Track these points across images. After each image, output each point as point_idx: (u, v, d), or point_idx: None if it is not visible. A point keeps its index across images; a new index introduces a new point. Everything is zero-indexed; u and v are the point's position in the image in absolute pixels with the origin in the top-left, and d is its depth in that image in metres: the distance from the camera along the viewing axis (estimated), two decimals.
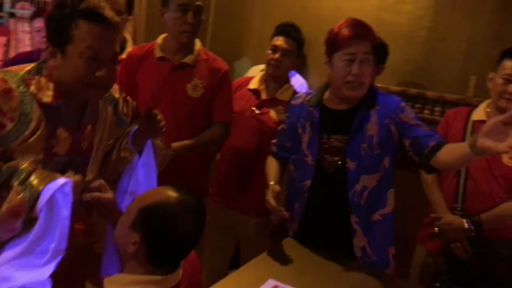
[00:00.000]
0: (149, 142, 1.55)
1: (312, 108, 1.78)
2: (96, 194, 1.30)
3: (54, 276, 1.17)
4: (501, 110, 1.94)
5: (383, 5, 2.81)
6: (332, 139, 1.73)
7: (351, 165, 1.69)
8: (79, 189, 1.25)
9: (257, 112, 2.33)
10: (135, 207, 1.18)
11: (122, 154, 1.52)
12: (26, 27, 3.66)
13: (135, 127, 1.54)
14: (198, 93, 2.07)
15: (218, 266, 2.43)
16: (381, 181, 1.71)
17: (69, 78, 1.27)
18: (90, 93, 1.32)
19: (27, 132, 1.22)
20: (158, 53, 2.07)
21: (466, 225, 1.93)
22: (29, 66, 1.31)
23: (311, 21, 2.92)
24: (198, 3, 2.00)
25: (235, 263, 2.59)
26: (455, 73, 2.64)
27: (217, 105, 2.13)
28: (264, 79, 2.40)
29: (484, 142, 1.25)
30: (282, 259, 1.68)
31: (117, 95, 1.55)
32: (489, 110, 2.02)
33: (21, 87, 1.25)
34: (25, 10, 3.69)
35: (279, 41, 2.31)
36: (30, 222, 1.19)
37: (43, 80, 1.29)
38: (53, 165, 1.31)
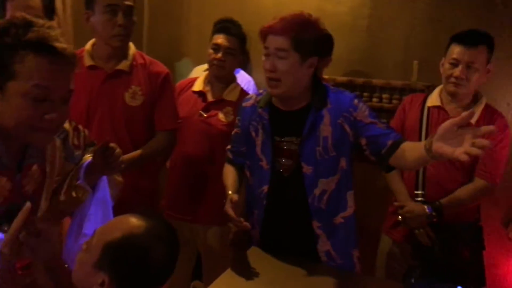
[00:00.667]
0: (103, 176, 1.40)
1: (261, 110, 1.70)
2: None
3: None
4: (452, 95, 1.95)
5: None
6: (285, 142, 1.66)
7: (308, 169, 1.63)
8: (14, 249, 1.02)
9: (205, 115, 2.21)
10: (99, 243, 1.03)
11: (74, 194, 1.33)
12: None
13: (88, 160, 1.36)
14: (138, 101, 1.91)
15: (180, 279, 2.31)
16: (340, 183, 1.65)
17: (9, 122, 1.07)
18: (35, 138, 1.12)
19: None
20: (88, 62, 1.88)
21: (427, 211, 1.94)
22: None
23: (251, 16, 2.83)
24: (127, 2, 1.83)
25: (197, 274, 2.49)
26: (399, 59, 2.67)
27: (160, 112, 1.98)
28: (209, 80, 2.29)
29: (440, 147, 1.20)
30: (249, 272, 1.59)
31: (66, 125, 1.36)
32: (443, 95, 2.03)
33: None
34: None
35: (220, 39, 2.21)
36: None
37: None
38: None
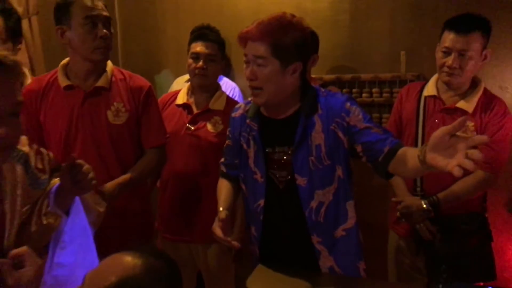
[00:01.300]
0: (77, 199, 1.28)
1: (249, 120, 1.60)
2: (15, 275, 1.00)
3: None
4: (446, 84, 1.88)
5: None
6: (277, 152, 1.56)
7: (302, 181, 1.52)
8: None
9: (192, 128, 2.11)
10: None
11: (44, 221, 1.22)
12: None
13: (56, 184, 1.27)
14: (122, 118, 1.79)
15: None
16: (338, 194, 1.54)
17: None
18: None
19: None
20: (63, 82, 1.76)
21: (424, 206, 1.88)
22: None
23: (229, 21, 2.77)
24: (105, 13, 1.73)
25: None
26: (385, 51, 2.60)
27: (146, 129, 1.86)
28: (192, 91, 2.19)
29: (433, 158, 1.15)
30: None
31: (26, 149, 1.25)
32: (438, 83, 1.95)
33: None
34: None
35: (199, 46, 2.11)
36: None
37: None
38: None
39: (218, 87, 2.22)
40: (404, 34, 2.56)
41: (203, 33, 2.15)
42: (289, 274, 1.55)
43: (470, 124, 1.84)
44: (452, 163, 1.08)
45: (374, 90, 2.58)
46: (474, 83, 1.91)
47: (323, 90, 1.59)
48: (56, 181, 1.29)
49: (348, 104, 1.51)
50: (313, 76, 2.49)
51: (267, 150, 1.57)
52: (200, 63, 2.09)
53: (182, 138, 2.06)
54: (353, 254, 1.58)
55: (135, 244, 0.99)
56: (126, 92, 1.82)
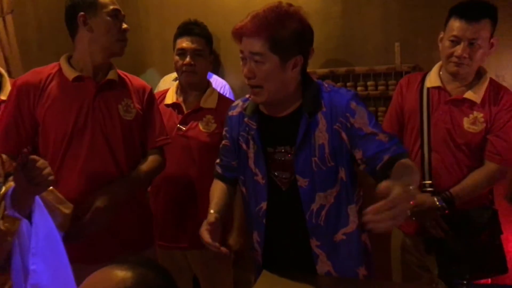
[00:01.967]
0: (37, 200, 1.19)
1: (248, 119, 1.50)
2: None
3: None
4: (453, 75, 1.81)
5: None
6: (278, 152, 1.46)
7: (303, 182, 1.43)
8: None
9: (184, 128, 2.00)
10: None
11: (1, 227, 1.16)
12: None
13: (11, 186, 1.18)
14: (132, 114, 1.70)
15: None
16: (340, 197, 1.45)
17: None
18: None
19: None
20: (71, 74, 1.64)
21: (437, 204, 1.79)
22: None
23: (215, 15, 2.68)
24: (123, 12, 1.70)
25: None
26: (379, 42, 2.54)
27: (151, 128, 1.78)
28: (181, 90, 2.08)
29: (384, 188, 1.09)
30: None
31: None
32: (442, 73, 1.87)
33: None
34: None
35: (185, 42, 2.01)
36: None
37: None
38: None
39: (208, 84, 2.11)
40: (398, 24, 2.49)
41: (188, 28, 2.04)
42: (293, 280, 1.46)
43: (479, 115, 1.77)
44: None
45: (369, 83, 2.51)
46: (479, 73, 1.84)
47: (326, 85, 1.48)
48: (11, 184, 1.20)
49: (354, 103, 1.41)
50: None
51: (268, 149, 1.47)
52: (187, 59, 1.98)
53: (173, 140, 1.94)
54: (352, 259, 1.50)
55: (124, 255, 0.90)
56: (131, 91, 1.75)
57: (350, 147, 1.41)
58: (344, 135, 1.40)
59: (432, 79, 1.88)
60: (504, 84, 2.32)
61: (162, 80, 2.60)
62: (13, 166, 1.28)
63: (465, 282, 1.33)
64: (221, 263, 2.02)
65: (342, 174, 1.44)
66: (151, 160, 1.75)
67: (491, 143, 1.78)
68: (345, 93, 1.45)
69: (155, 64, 2.92)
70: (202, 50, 2.01)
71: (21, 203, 1.17)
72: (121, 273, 0.82)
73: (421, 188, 1.87)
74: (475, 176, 1.80)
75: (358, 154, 1.39)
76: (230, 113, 1.60)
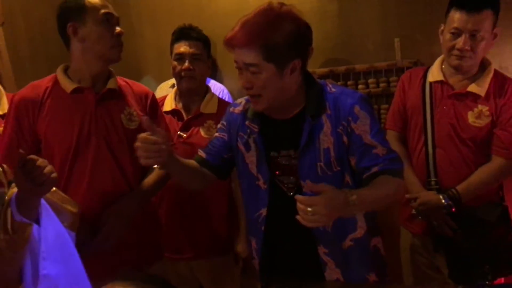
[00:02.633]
0: (43, 202, 1.16)
1: (249, 122, 1.45)
2: None
3: None
4: (455, 68, 1.76)
5: None
6: (282, 156, 1.41)
7: (308, 188, 1.37)
8: None
9: (185, 135, 1.96)
10: None
11: (12, 235, 1.12)
12: None
13: (14, 192, 1.14)
14: (135, 123, 1.64)
15: None
16: None
17: None
18: None
19: None
20: (69, 86, 1.60)
21: (444, 202, 1.75)
22: None
23: (210, 19, 2.63)
24: (116, 14, 1.62)
25: None
26: (378, 39, 2.48)
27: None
28: (180, 95, 2.03)
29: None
30: None
31: None
32: (444, 67, 1.83)
33: None
34: None
35: (182, 47, 1.97)
36: None
37: None
38: None
39: (207, 89, 2.07)
40: (397, 19, 2.44)
41: (185, 32, 2.01)
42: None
43: (485, 108, 1.73)
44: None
45: (370, 80, 2.46)
46: (483, 64, 1.79)
47: (330, 85, 1.43)
48: (14, 190, 1.16)
49: (358, 108, 1.35)
50: None
51: (271, 154, 1.42)
52: (186, 64, 1.94)
53: (175, 147, 1.90)
54: (362, 266, 1.45)
55: (127, 272, 0.89)
56: (133, 98, 1.69)
57: (348, 151, 1.37)
58: (345, 138, 1.36)
59: (434, 73, 1.83)
60: (508, 75, 2.29)
61: (158, 88, 2.55)
62: (11, 174, 1.24)
63: (487, 283, 1.28)
64: (228, 272, 2.00)
65: (348, 178, 1.39)
66: (156, 171, 1.70)
67: (497, 137, 1.74)
68: (351, 95, 1.39)
69: (150, 72, 2.86)
70: (200, 54, 1.97)
71: (28, 207, 1.12)
72: None
73: (426, 185, 1.83)
74: (482, 172, 1.75)
75: (352, 161, 1.37)
76: (231, 109, 1.54)
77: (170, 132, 1.81)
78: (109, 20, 1.58)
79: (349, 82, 2.48)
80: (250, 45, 1.27)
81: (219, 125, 1.57)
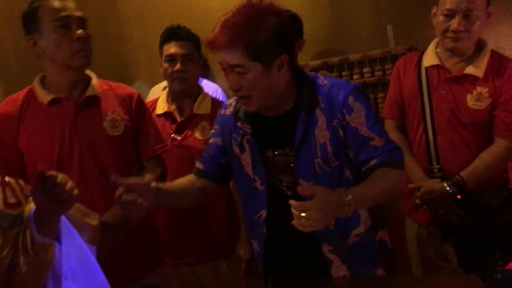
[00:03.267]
0: (63, 219, 1.10)
1: (240, 123, 1.40)
2: None
3: None
4: (451, 51, 1.72)
5: None
6: (278, 155, 1.37)
7: (307, 184, 1.32)
8: None
9: (179, 138, 1.91)
10: None
11: (34, 257, 1.05)
12: None
13: (32, 209, 1.08)
14: (120, 128, 1.58)
15: None
16: None
17: None
18: None
19: None
20: (45, 97, 1.54)
21: (448, 189, 1.71)
22: None
23: (200, 18, 2.57)
24: (78, 14, 1.52)
25: None
26: (371, 27, 2.45)
27: (144, 139, 1.66)
28: (172, 98, 1.99)
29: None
30: None
31: None
32: (439, 50, 1.78)
33: None
34: None
35: (173, 48, 1.92)
36: None
37: None
38: None
39: (200, 89, 2.02)
40: (388, 6, 2.41)
41: (175, 32, 1.95)
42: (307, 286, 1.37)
43: (484, 90, 1.68)
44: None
45: (364, 70, 2.42)
46: (479, 45, 1.75)
47: (322, 77, 1.38)
48: (31, 205, 1.10)
49: (352, 99, 1.30)
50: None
51: (266, 153, 1.38)
52: (178, 65, 1.89)
53: (169, 151, 1.85)
54: (369, 261, 1.41)
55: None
56: (116, 102, 1.62)
57: (345, 144, 1.32)
58: (341, 132, 1.31)
59: (429, 58, 1.79)
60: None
61: (151, 92, 2.51)
62: (28, 190, 1.16)
63: (499, 269, 1.24)
64: (233, 273, 1.95)
65: (348, 173, 1.35)
66: (152, 173, 1.61)
67: (499, 119, 1.70)
68: (344, 86, 1.34)
69: (142, 76, 2.81)
70: (192, 55, 1.92)
71: (48, 226, 1.07)
72: None
73: (429, 173, 1.79)
74: (486, 156, 1.71)
75: (350, 154, 1.33)
76: (222, 111, 1.50)
77: (161, 135, 1.75)
78: (67, 25, 1.48)
79: (343, 73, 2.44)
80: (233, 46, 1.22)
81: (212, 130, 1.53)
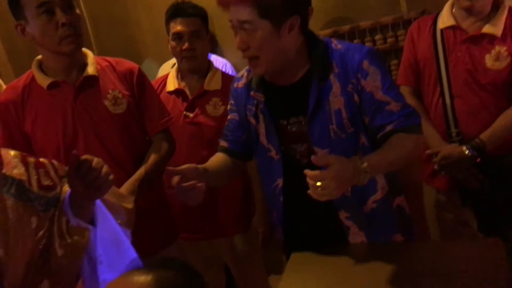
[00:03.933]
0: (98, 202, 1.10)
1: (253, 92, 1.39)
2: None
3: None
4: (467, 10, 1.66)
5: None
6: (292, 123, 1.36)
7: (322, 153, 1.33)
8: None
9: (191, 115, 1.90)
10: None
11: (69, 240, 1.05)
12: None
13: (67, 191, 1.08)
14: (123, 106, 1.57)
15: None
16: None
17: None
18: None
19: None
20: (44, 81, 1.53)
21: (467, 153, 1.67)
22: None
23: None
24: None
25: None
26: None
27: (148, 113, 1.65)
28: (182, 74, 1.97)
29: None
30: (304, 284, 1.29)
31: (17, 172, 1.04)
32: (454, 11, 1.72)
33: None
34: None
35: (179, 25, 1.87)
36: None
37: None
38: None
39: (210, 65, 1.99)
40: None
41: (179, 8, 1.90)
42: (325, 254, 1.37)
43: (503, 49, 1.63)
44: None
45: (376, 37, 2.36)
46: (496, 3, 1.68)
47: (335, 42, 1.35)
48: (66, 188, 1.09)
49: (367, 62, 1.27)
50: None
51: (280, 122, 1.36)
52: (186, 44, 1.86)
53: (181, 129, 1.85)
54: (387, 227, 1.40)
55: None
56: (117, 79, 1.61)
57: (360, 110, 1.30)
58: (356, 97, 1.29)
59: (445, 19, 1.73)
60: None
61: (160, 69, 2.50)
62: (63, 169, 1.15)
63: None
64: (250, 247, 1.96)
65: (364, 139, 1.33)
66: (155, 148, 1.63)
67: None
68: (358, 49, 1.31)
69: (150, 54, 2.79)
70: (199, 31, 1.88)
71: (83, 210, 1.06)
72: (141, 278, 0.80)
73: (447, 138, 1.75)
74: (507, 117, 1.66)
75: (366, 119, 1.30)
76: (235, 85, 1.48)
77: (166, 107, 1.73)
78: (51, 10, 1.42)
79: (355, 41, 2.39)
80: (244, 1, 1.22)
81: (228, 106, 1.52)
